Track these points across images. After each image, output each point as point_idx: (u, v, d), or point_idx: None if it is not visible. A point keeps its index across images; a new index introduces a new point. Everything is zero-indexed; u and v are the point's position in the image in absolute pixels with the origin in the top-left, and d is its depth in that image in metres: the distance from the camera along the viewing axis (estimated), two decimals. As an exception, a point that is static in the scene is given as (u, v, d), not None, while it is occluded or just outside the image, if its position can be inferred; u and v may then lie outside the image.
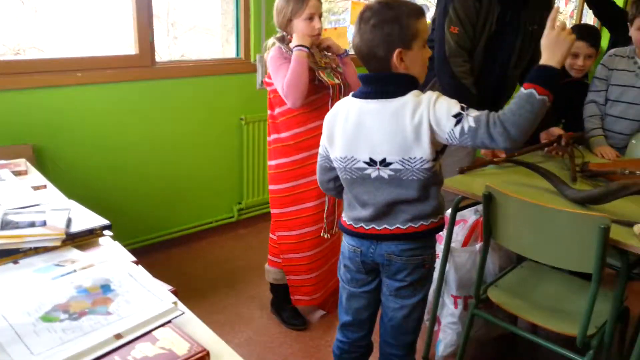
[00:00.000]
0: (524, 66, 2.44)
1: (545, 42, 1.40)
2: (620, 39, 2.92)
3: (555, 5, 1.54)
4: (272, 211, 2.38)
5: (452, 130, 1.36)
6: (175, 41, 4.03)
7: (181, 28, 3.93)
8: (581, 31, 2.52)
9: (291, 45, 2.10)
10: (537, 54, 1.45)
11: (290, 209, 2.31)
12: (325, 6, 4.15)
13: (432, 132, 1.39)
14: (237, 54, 3.37)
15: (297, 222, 2.33)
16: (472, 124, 1.35)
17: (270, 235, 2.47)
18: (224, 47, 3.44)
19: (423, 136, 1.39)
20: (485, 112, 1.38)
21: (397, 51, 1.39)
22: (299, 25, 2.11)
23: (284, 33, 2.17)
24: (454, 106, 1.38)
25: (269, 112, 2.27)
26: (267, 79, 2.22)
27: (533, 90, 1.34)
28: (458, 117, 1.36)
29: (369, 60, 1.44)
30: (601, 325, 1.73)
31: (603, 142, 2.50)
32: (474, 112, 1.38)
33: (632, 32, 2.45)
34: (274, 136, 2.28)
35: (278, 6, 2.14)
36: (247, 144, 3.40)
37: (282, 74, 2.08)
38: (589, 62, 2.60)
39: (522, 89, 1.37)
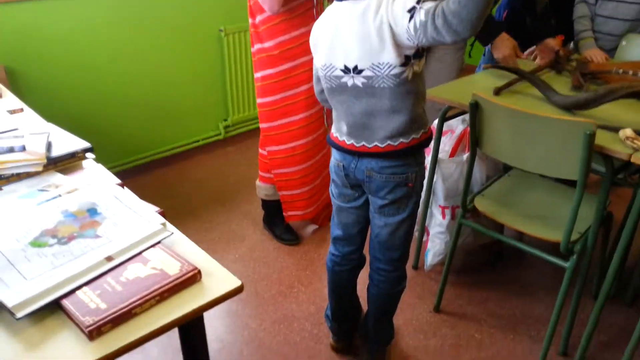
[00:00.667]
0: None
1: None
2: None
3: None
4: (261, 125, 2.34)
5: (408, 27, 1.26)
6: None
7: None
8: None
9: None
10: None
11: (279, 122, 2.27)
12: None
13: (393, 33, 1.29)
14: (213, -40, 3.18)
15: (286, 136, 2.30)
16: (423, 17, 1.22)
17: (260, 150, 2.44)
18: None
19: (386, 38, 1.30)
20: (438, 2, 1.23)
21: None
22: None
23: None
24: (410, 0, 1.26)
25: (250, 20, 2.17)
26: None
27: None
28: (412, 12, 1.24)
29: None
30: (585, 230, 1.78)
31: (592, 45, 2.44)
32: (427, 4, 1.23)
33: None
34: (257, 46, 2.19)
35: None
36: (228, 57, 3.29)
37: None
38: None
39: None
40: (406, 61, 1.34)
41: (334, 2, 1.44)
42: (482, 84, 2.11)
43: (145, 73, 2.99)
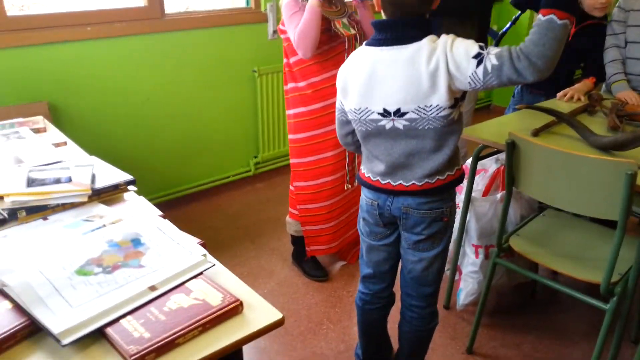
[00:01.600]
0: None
1: None
2: None
3: None
4: (291, 161, 2.37)
5: (475, 72, 1.31)
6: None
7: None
8: None
9: None
10: None
11: (309, 158, 2.30)
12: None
13: (451, 78, 1.33)
14: (247, 3, 3.29)
15: (315, 172, 2.32)
16: (495, 61, 1.29)
17: (290, 187, 2.47)
18: (234, -3, 3.35)
19: (440, 82, 1.33)
20: (506, 47, 1.32)
21: None
22: None
23: None
24: (472, 47, 1.32)
25: (284, 60, 2.23)
26: (281, 27, 2.16)
27: (553, 16, 1.26)
28: (479, 57, 1.30)
29: (414, 3, 1.37)
30: (625, 272, 1.73)
31: (626, 87, 2.43)
32: (494, 50, 1.31)
33: None
34: (291, 85, 2.24)
35: None
36: (261, 96, 3.36)
37: (294, 23, 2.03)
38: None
39: (539, 17, 1.29)
40: (455, 103, 1.38)
41: (364, 47, 1.46)
42: (515, 123, 2.11)
43: (181, 110, 3.07)
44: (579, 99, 2.37)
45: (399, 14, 1.39)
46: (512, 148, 1.76)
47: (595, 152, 1.78)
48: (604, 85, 2.55)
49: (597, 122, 2.12)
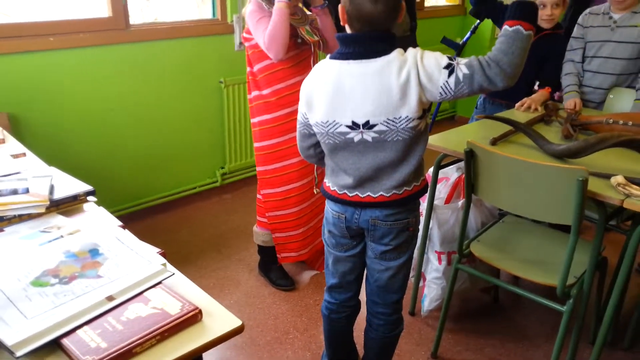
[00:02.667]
0: None
1: None
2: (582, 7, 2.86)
3: None
4: (258, 169, 2.38)
5: (447, 82, 1.35)
6: (148, 4, 3.91)
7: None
8: None
9: None
10: None
11: (275, 165, 2.31)
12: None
13: (422, 89, 1.37)
14: (214, 15, 3.29)
15: (282, 179, 2.33)
16: (466, 70, 1.35)
17: (258, 195, 2.47)
18: (200, 8, 3.36)
19: (411, 94, 1.36)
20: (473, 57, 1.38)
21: (403, 3, 1.42)
22: None
23: None
24: (442, 58, 1.37)
25: (248, 69, 2.24)
26: (245, 34, 2.18)
27: (519, 27, 1.35)
28: (450, 68, 1.35)
29: (380, 19, 1.38)
30: (580, 275, 1.79)
31: (574, 96, 2.54)
32: (462, 60, 1.38)
33: None
34: (254, 93, 2.25)
35: None
36: (227, 106, 3.36)
37: (262, 27, 2.05)
38: (557, 11, 2.54)
39: (506, 27, 1.37)
40: (422, 114, 1.42)
41: (328, 60, 1.47)
42: (476, 133, 2.17)
43: (146, 121, 3.05)
44: (535, 109, 2.46)
45: (367, 29, 1.41)
46: (470, 156, 1.81)
47: (550, 159, 1.84)
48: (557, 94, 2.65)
49: (552, 131, 2.19)
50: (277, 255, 2.51)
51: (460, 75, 1.35)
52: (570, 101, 2.50)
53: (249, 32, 2.14)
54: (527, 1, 1.40)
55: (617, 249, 2.05)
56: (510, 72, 1.35)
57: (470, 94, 1.39)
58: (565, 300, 1.76)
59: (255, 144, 2.34)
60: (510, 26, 1.36)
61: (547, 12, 2.51)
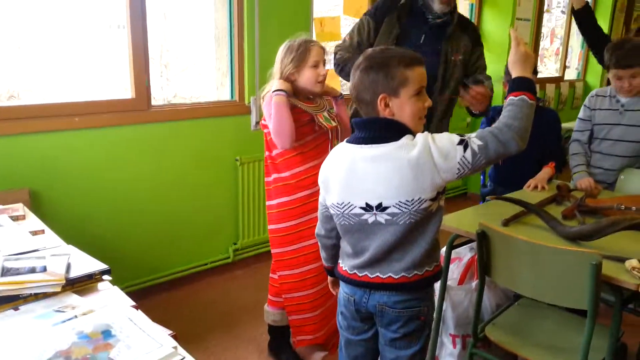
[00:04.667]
0: (453, 89, 2.56)
1: (514, 58, 1.53)
2: None
3: (511, 28, 1.66)
4: (273, 251, 2.38)
5: (463, 156, 1.38)
6: (168, 82, 4.10)
7: (174, 69, 4.02)
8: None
9: (271, 90, 2.16)
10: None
11: (292, 247, 2.32)
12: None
13: (437, 170, 1.39)
14: (232, 97, 3.44)
15: (299, 260, 2.33)
16: (479, 142, 1.39)
17: (271, 275, 2.46)
18: (219, 90, 3.51)
19: (424, 175, 1.39)
20: (481, 129, 1.44)
21: (381, 96, 1.43)
22: (305, 73, 2.17)
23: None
24: (453, 136, 1.42)
25: (266, 153, 2.31)
26: (263, 121, 2.26)
27: (524, 97, 1.44)
28: (463, 143, 1.39)
29: (359, 104, 1.49)
30: (599, 361, 1.74)
31: (584, 176, 2.55)
32: (472, 134, 1.42)
33: (610, 77, 2.55)
34: (274, 176, 2.30)
35: (282, 56, 2.19)
36: (242, 184, 3.43)
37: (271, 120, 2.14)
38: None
39: (511, 97, 1.46)
40: (436, 196, 1.43)
41: (345, 144, 1.53)
42: (487, 214, 2.18)
43: (162, 198, 3.11)
44: (543, 188, 2.48)
45: (363, 113, 1.49)
46: (482, 238, 1.81)
47: (563, 242, 1.84)
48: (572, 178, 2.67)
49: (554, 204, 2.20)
50: (292, 339, 2.46)
51: (476, 147, 1.39)
52: (585, 180, 2.50)
53: (265, 119, 2.23)
54: (527, 77, 1.50)
55: (637, 332, 2.00)
56: (522, 134, 1.40)
57: (487, 164, 1.42)
58: (586, 389, 1.69)
59: (272, 227, 2.36)
60: (516, 96, 1.45)
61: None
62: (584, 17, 3.11)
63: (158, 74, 3.77)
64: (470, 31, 2.62)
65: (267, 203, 2.37)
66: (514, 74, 1.53)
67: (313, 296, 2.37)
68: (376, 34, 2.54)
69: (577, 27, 3.18)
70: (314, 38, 3.72)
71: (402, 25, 2.51)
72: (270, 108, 2.15)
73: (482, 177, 2.94)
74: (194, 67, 3.80)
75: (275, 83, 2.16)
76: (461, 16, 2.62)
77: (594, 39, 3.14)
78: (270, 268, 2.46)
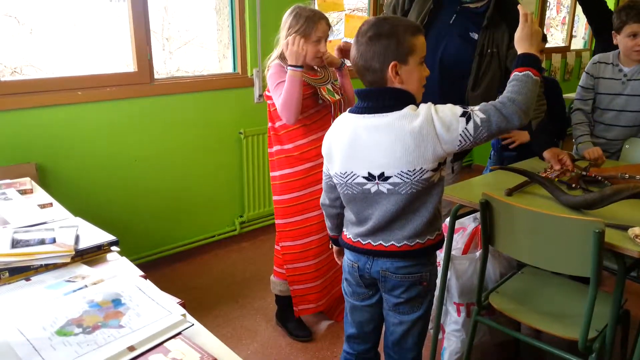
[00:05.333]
0: (485, 87, 2.31)
1: (520, 35, 1.54)
2: (604, 44, 2.93)
3: (520, 5, 1.61)
4: (277, 221, 2.41)
5: (465, 128, 1.39)
6: (170, 56, 4.08)
7: (176, 43, 3.99)
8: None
9: (284, 63, 2.14)
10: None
11: (295, 218, 2.34)
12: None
13: (439, 140, 1.39)
14: (234, 69, 3.42)
15: (302, 232, 2.35)
16: (482, 115, 1.40)
17: (276, 246, 2.49)
18: (221, 62, 3.49)
19: (426, 146, 1.39)
20: (485, 103, 1.43)
21: (392, 64, 1.42)
22: (306, 46, 2.14)
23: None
24: (456, 108, 1.42)
25: (269, 124, 2.31)
26: (267, 92, 2.26)
27: (529, 72, 1.45)
28: (466, 115, 1.40)
29: (365, 73, 1.47)
30: (602, 328, 1.76)
31: (589, 145, 2.54)
32: (475, 107, 1.43)
33: (621, 39, 2.50)
34: (276, 147, 2.31)
35: (287, 23, 2.16)
36: (246, 157, 3.44)
37: (279, 92, 2.13)
38: (541, 57, 2.56)
39: (516, 73, 1.46)
40: (437, 167, 1.44)
41: (347, 114, 1.53)
42: (491, 184, 2.18)
43: (167, 171, 3.13)
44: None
45: (368, 82, 1.48)
46: (486, 208, 1.82)
47: (566, 211, 1.85)
48: (574, 147, 2.66)
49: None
50: (295, 308, 2.50)
51: (478, 120, 1.39)
52: (593, 150, 2.46)
53: (270, 91, 2.22)
54: (533, 54, 1.51)
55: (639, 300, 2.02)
56: (525, 108, 1.41)
57: (489, 137, 1.42)
58: (588, 355, 1.72)
59: (275, 197, 2.38)
60: (521, 72, 1.46)
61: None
62: None
63: (160, 48, 3.74)
64: (510, 19, 2.21)
65: (271, 174, 2.38)
66: (519, 50, 1.54)
67: (315, 266, 2.40)
68: (411, 3, 2.39)
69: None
70: (317, 8, 3.68)
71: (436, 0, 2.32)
72: (276, 78, 2.14)
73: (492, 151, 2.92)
74: (196, 39, 3.77)
75: (290, 52, 2.10)
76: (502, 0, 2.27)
77: (595, 14, 3.14)
78: (275, 239, 2.49)
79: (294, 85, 2.08)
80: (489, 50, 2.27)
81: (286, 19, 2.17)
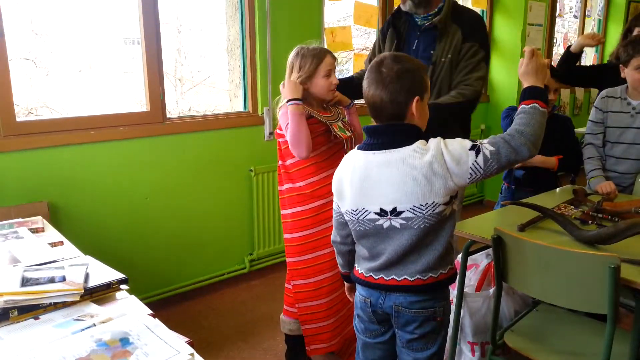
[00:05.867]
0: (436, 93, 2.39)
1: (527, 69, 1.57)
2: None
3: (527, 47, 1.65)
4: (288, 260, 2.38)
5: (475, 161, 1.40)
6: (182, 96, 4.17)
7: (188, 84, 4.08)
8: None
9: (284, 98, 2.17)
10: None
11: (307, 256, 2.32)
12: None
13: (449, 174, 1.40)
14: (245, 108, 3.47)
15: (314, 269, 2.33)
16: (492, 147, 1.42)
17: (286, 285, 2.46)
18: (232, 102, 3.54)
19: (437, 180, 1.40)
20: (493, 136, 1.45)
21: (416, 98, 1.45)
22: (318, 82, 2.18)
23: None
24: (465, 141, 1.44)
25: (280, 162, 2.32)
26: (278, 131, 2.28)
27: (536, 105, 1.48)
28: (475, 148, 1.42)
29: (387, 107, 1.47)
30: (621, 367, 1.71)
31: (601, 180, 2.53)
32: (484, 140, 1.45)
33: (628, 72, 2.51)
34: (288, 185, 2.31)
35: (293, 64, 2.20)
36: (257, 194, 3.45)
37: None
38: (554, 96, 2.71)
39: (523, 106, 1.49)
40: (449, 200, 1.45)
41: (356, 150, 1.54)
42: (503, 219, 2.17)
43: (177, 209, 3.14)
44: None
45: (384, 118, 1.49)
46: (498, 243, 1.80)
47: (580, 246, 1.82)
48: (587, 182, 2.64)
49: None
50: (307, 348, 2.46)
51: (488, 153, 1.41)
52: (605, 185, 2.46)
53: (281, 129, 2.24)
54: (539, 87, 1.54)
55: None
56: (534, 140, 1.43)
57: (499, 170, 1.44)
58: (608, 396, 1.66)
59: (287, 235, 2.36)
60: (528, 104, 1.48)
61: (550, 97, 2.63)
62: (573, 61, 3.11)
63: (172, 89, 3.82)
64: (463, 22, 2.37)
65: (282, 212, 2.37)
66: (525, 84, 1.56)
67: (327, 305, 2.36)
68: (384, 44, 2.55)
69: (565, 66, 3.11)
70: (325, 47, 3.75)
71: (399, 34, 2.49)
72: (287, 118, 2.16)
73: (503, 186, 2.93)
74: (208, 80, 3.85)
75: (287, 89, 2.14)
76: (456, 6, 2.42)
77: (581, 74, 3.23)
78: (286, 278, 2.46)
79: (296, 117, 2.09)
80: (442, 59, 2.35)
81: (292, 60, 2.21)
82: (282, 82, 2.20)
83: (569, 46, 3.05)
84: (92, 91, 3.31)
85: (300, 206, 2.28)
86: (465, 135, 2.47)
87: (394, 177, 1.44)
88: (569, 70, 3.04)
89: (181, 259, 3.21)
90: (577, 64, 3.26)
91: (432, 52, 2.38)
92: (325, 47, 3.68)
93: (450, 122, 2.29)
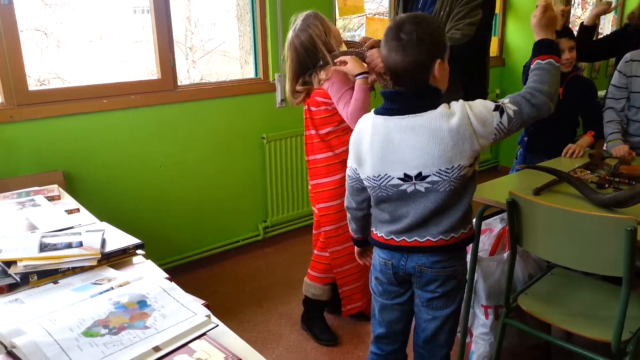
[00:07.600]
0: None
1: (539, 22, 1.56)
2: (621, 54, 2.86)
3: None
4: (325, 229, 2.39)
5: (500, 121, 1.43)
6: (194, 65, 4.14)
7: (199, 52, 4.04)
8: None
9: (351, 73, 2.15)
10: None
11: (341, 224, 2.34)
12: (340, 23, 4.23)
13: (476, 136, 1.41)
14: (256, 74, 3.44)
15: (347, 235, 2.34)
16: (514, 107, 1.44)
17: (317, 252, 2.48)
18: (243, 68, 3.51)
19: (464, 143, 1.40)
20: (513, 94, 1.47)
21: (438, 61, 1.44)
22: (335, 33, 2.25)
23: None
24: (488, 102, 1.45)
25: (312, 131, 2.30)
26: (318, 98, 2.24)
27: (552, 60, 1.50)
28: (499, 109, 1.43)
29: (406, 74, 1.44)
30: (636, 330, 1.71)
31: (619, 143, 2.49)
32: (505, 99, 1.46)
33: None
34: (325, 154, 2.30)
35: (321, 35, 2.19)
36: (269, 162, 3.45)
37: (345, 100, 2.15)
38: (573, 54, 2.61)
39: (538, 61, 1.51)
40: (473, 162, 1.45)
41: (373, 115, 1.52)
42: (518, 183, 2.15)
43: (192, 177, 3.15)
44: (579, 154, 2.43)
45: (407, 82, 1.46)
46: (513, 207, 1.78)
47: (596, 209, 1.80)
48: (604, 145, 2.60)
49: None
50: (343, 309, 2.52)
51: (511, 113, 1.43)
52: (620, 148, 2.44)
53: (323, 96, 2.22)
54: (551, 40, 1.54)
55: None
56: (553, 97, 1.46)
57: (520, 127, 1.48)
58: (621, 358, 1.67)
59: (322, 205, 2.35)
60: (543, 60, 1.50)
61: (566, 56, 2.56)
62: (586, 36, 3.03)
63: (183, 58, 3.80)
64: None
65: (314, 182, 2.36)
66: (537, 37, 1.56)
67: (360, 266, 2.39)
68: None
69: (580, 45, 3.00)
70: (337, 12, 3.69)
71: None
72: (341, 89, 2.15)
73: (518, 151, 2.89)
74: (218, 48, 3.82)
75: (352, 64, 2.12)
76: None
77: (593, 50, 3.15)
78: (316, 246, 2.49)
79: (363, 92, 2.12)
80: (441, 13, 2.25)
81: (315, 34, 2.18)
82: (335, 58, 2.16)
83: (582, 23, 2.98)
84: (103, 61, 3.30)
85: (341, 173, 2.26)
86: (474, 92, 2.39)
87: (419, 142, 1.42)
88: (582, 48, 2.89)
89: (195, 226, 3.24)
90: (595, 37, 3.17)
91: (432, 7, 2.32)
92: (337, 11, 3.65)
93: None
